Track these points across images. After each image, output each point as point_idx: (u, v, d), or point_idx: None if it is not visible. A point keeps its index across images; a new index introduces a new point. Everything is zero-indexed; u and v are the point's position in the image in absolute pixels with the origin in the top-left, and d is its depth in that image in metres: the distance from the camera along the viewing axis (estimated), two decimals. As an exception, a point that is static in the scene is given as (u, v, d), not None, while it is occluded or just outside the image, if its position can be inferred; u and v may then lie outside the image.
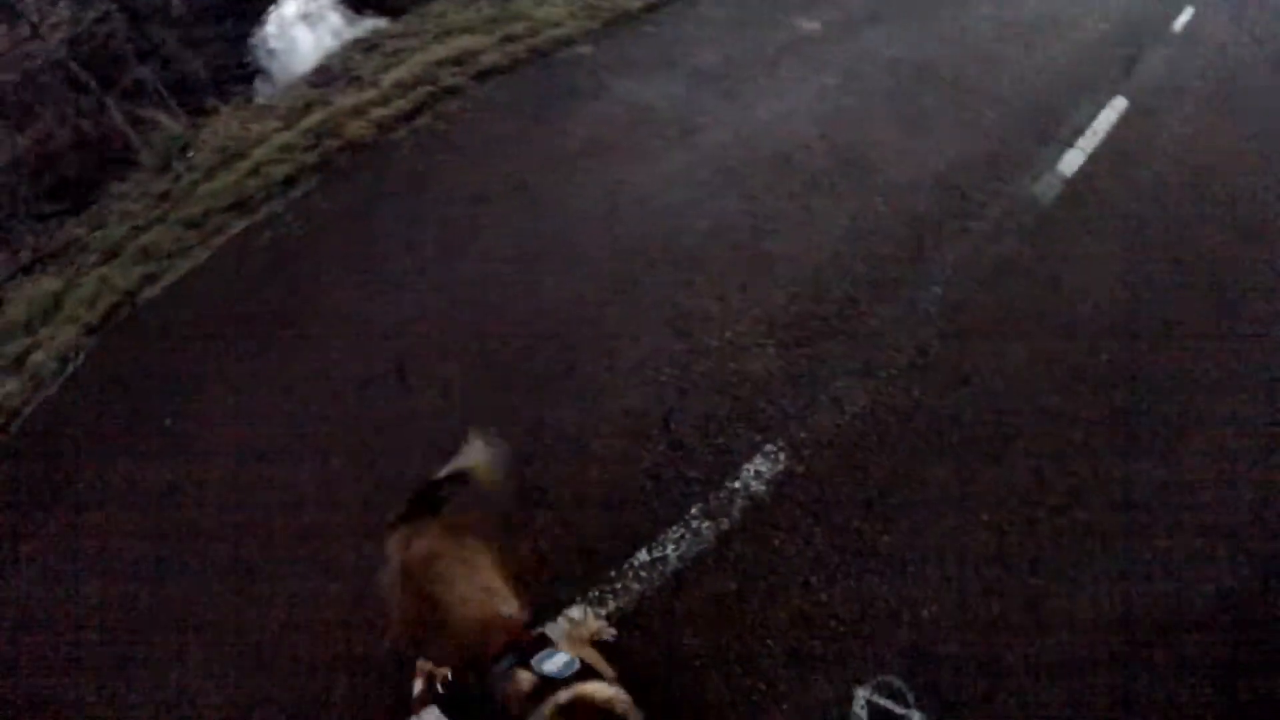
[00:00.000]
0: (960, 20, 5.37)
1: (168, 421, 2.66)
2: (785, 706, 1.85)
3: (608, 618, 2.02)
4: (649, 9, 5.30)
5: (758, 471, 2.25)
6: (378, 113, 4.70)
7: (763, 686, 1.90)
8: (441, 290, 3.04)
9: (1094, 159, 3.84)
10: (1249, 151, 4.08)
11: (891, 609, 2.03)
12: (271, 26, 7.09)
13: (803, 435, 2.32)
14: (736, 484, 2.23)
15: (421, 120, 4.29)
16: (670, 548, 2.14)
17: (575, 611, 2.03)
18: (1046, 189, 3.59)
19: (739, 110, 4.15)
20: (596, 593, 2.08)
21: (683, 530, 2.16)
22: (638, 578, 2.10)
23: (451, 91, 4.57)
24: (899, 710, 1.91)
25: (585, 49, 4.82)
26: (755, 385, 2.51)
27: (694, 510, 2.18)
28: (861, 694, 1.91)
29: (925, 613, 2.03)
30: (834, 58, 4.73)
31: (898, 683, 1.94)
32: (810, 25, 5.11)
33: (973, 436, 2.42)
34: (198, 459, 2.52)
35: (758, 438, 2.31)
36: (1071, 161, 3.75)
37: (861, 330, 2.76)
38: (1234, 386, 2.72)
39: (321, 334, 2.92)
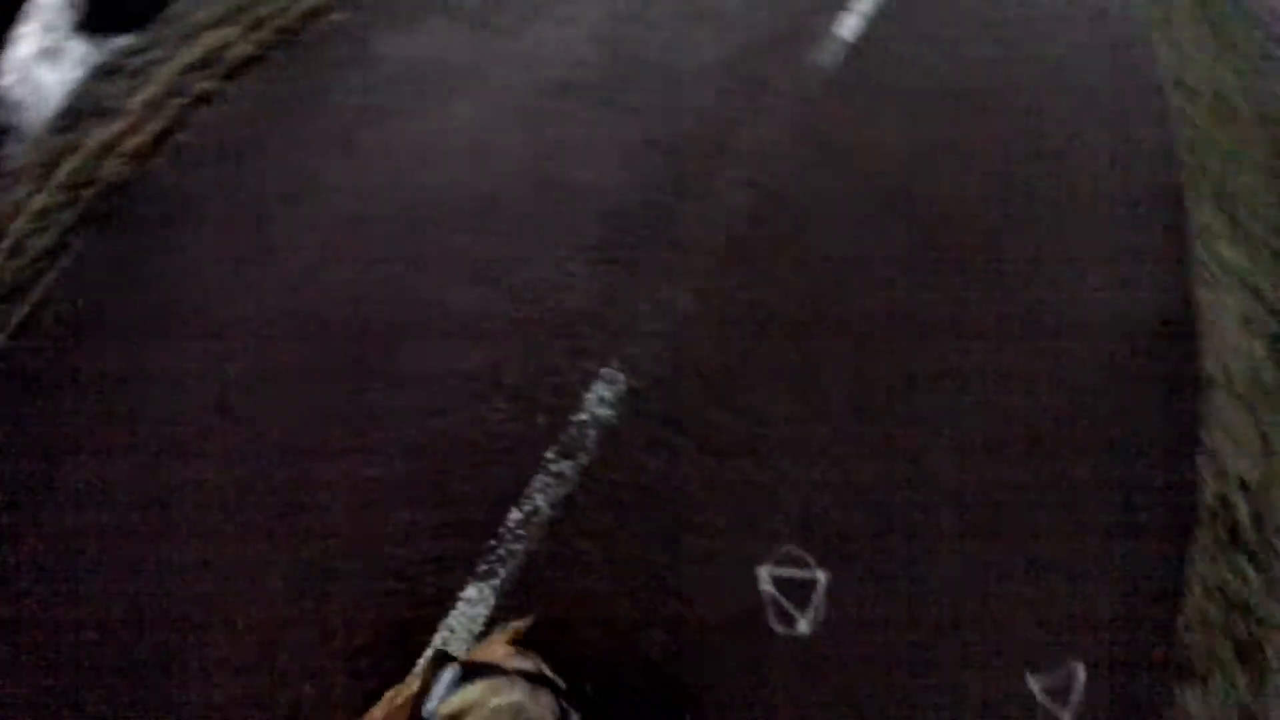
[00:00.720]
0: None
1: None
2: (698, 608, 2.00)
3: (503, 588, 2.08)
4: None
5: (601, 398, 2.32)
6: (132, 143, 4.19)
7: (673, 598, 2.03)
8: (249, 317, 2.82)
9: (871, 19, 3.97)
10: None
11: (769, 486, 2.19)
12: (9, 75, 6.08)
13: (635, 350, 2.40)
14: (584, 415, 2.30)
15: (179, 138, 3.86)
16: (539, 498, 2.21)
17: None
18: (830, 56, 3.70)
19: (513, 43, 3.98)
20: (484, 567, 2.13)
21: (545, 478, 2.22)
22: (517, 538, 2.16)
23: (204, 99, 4.11)
24: (804, 574, 2.10)
25: (341, 15, 4.39)
26: (577, 314, 2.54)
27: (549, 454, 2.23)
28: (764, 572, 2.07)
29: (805, 480, 2.20)
30: None
31: (795, 550, 2.13)
32: None
33: (798, 315, 2.58)
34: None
35: (592, 365, 2.36)
36: (850, 25, 3.87)
37: (672, 234, 2.82)
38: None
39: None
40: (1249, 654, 3.26)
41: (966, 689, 2.29)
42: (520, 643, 1.96)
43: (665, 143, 3.24)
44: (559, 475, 2.23)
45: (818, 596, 2.05)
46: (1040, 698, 2.45)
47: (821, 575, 2.08)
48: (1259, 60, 7.37)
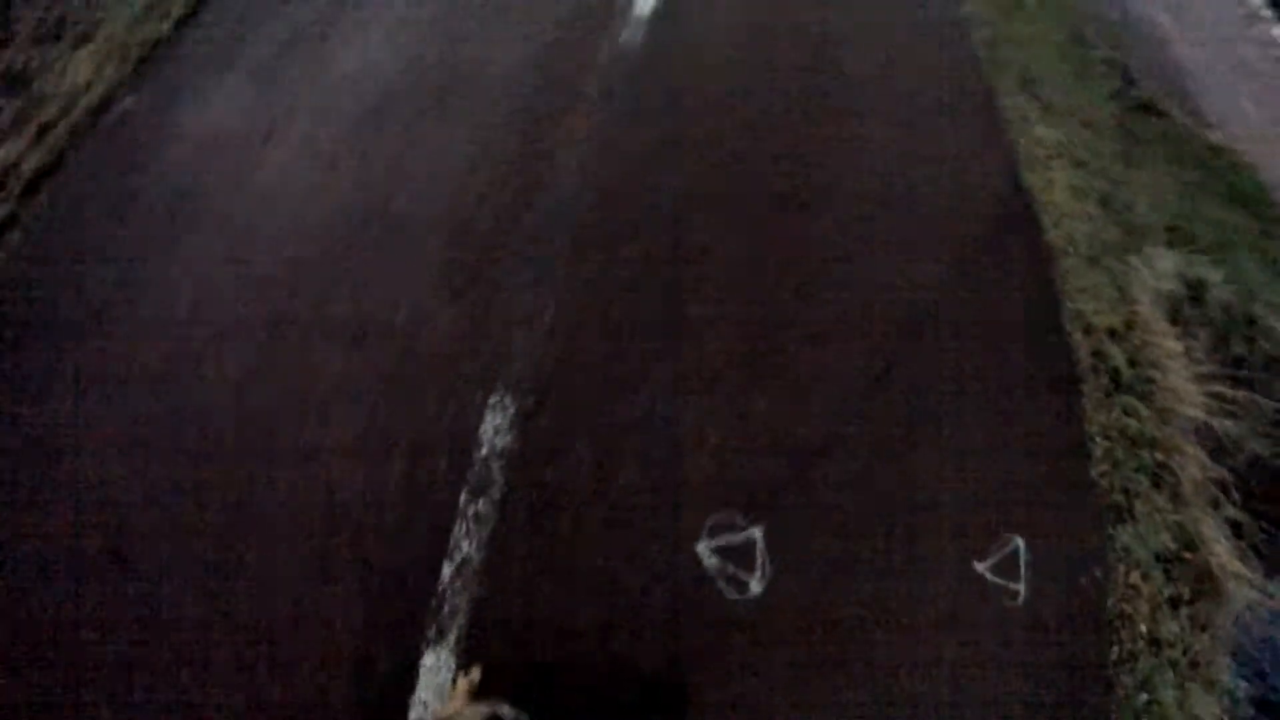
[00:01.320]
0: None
1: None
2: (653, 601, 1.99)
3: (459, 644, 2.01)
4: (181, 23, 4.64)
5: (496, 427, 2.27)
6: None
7: (622, 599, 2.02)
8: (110, 445, 2.59)
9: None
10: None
11: (677, 462, 2.21)
12: None
13: (516, 369, 2.37)
14: (484, 450, 2.24)
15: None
16: (465, 545, 2.14)
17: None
18: (632, 33, 3.81)
19: (319, 79, 3.86)
20: (433, 630, 2.05)
21: (464, 523, 2.16)
22: (457, 591, 2.09)
23: (7, 225, 3.74)
24: (740, 537, 2.13)
25: (129, 101, 4.12)
26: (447, 346, 2.47)
27: (462, 498, 2.17)
28: (702, 546, 2.10)
29: (711, 445, 2.24)
30: None
31: (724, 516, 2.16)
32: None
33: (660, 289, 2.62)
34: None
35: (477, 396, 2.30)
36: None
37: (520, 240, 2.80)
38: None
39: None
40: (1162, 478, 3.60)
41: (919, 597, 2.39)
42: (483, 686, 1.91)
43: (490, 152, 3.21)
44: (478, 516, 2.17)
45: (759, 553, 2.09)
46: (991, 578, 2.60)
47: (757, 531, 2.12)
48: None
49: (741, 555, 2.10)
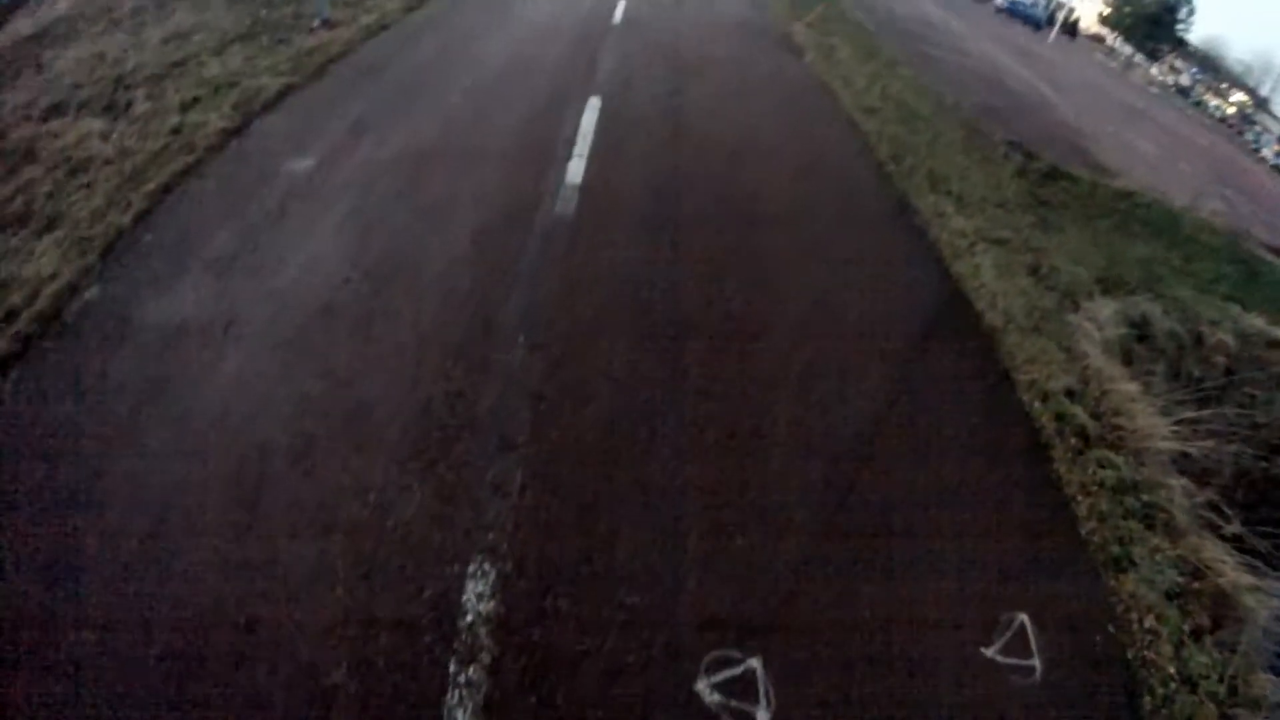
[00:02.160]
0: (438, 103, 6.10)
1: None
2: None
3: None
4: (141, 216, 4.95)
5: (479, 593, 2.39)
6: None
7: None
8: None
9: (592, 157, 4.74)
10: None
11: (665, 606, 2.35)
12: None
13: (490, 537, 2.53)
14: (469, 617, 2.34)
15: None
16: (459, 714, 2.14)
17: None
18: (565, 203, 4.36)
19: (268, 279, 4.13)
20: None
21: (456, 691, 2.21)
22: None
23: None
24: (739, 669, 2.22)
25: (92, 292, 4.25)
26: (423, 525, 2.62)
27: (452, 667, 2.24)
28: (702, 685, 2.17)
29: (697, 585, 2.39)
30: (338, 181, 4.98)
31: (720, 651, 2.26)
32: (303, 163, 5.26)
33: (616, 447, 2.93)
34: None
35: (455, 567, 2.45)
36: (576, 169, 4.63)
37: (479, 416, 3.03)
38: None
39: None
40: (1153, 517, 3.71)
41: (935, 699, 2.45)
42: None
43: (438, 336, 3.50)
44: (469, 683, 2.22)
45: (762, 683, 2.19)
46: (1001, 660, 2.67)
47: (755, 662, 2.20)
48: (891, 63, 9.17)
49: (744, 688, 2.19)
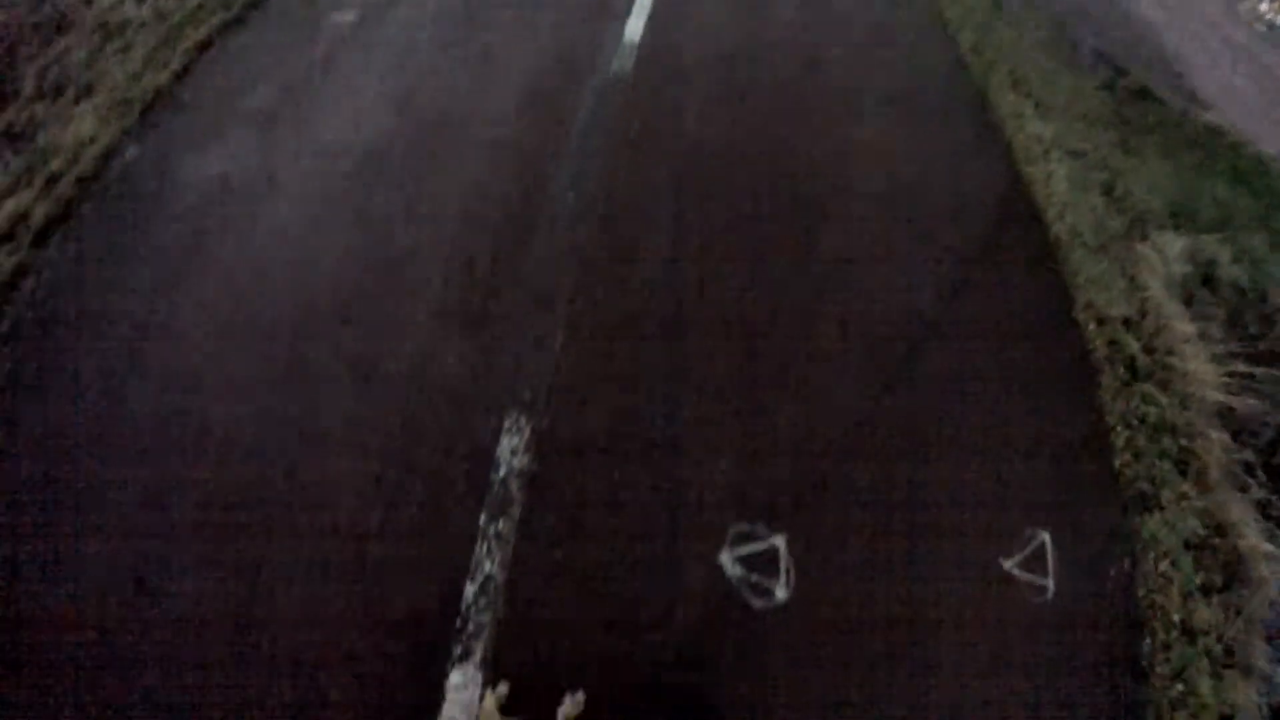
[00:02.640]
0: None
1: None
2: (675, 614, 2.00)
3: (484, 662, 2.03)
4: (180, 76, 4.80)
5: (512, 448, 2.32)
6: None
7: (646, 614, 2.03)
8: (133, 490, 2.63)
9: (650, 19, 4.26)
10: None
11: (694, 475, 2.23)
12: None
13: (527, 392, 2.42)
14: (502, 470, 2.29)
15: (1, 327, 3.58)
16: (487, 564, 2.17)
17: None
18: (622, 61, 3.92)
19: (314, 130, 3.96)
20: (459, 650, 2.07)
21: (485, 543, 2.19)
22: (481, 610, 2.11)
23: (20, 274, 3.83)
24: (763, 545, 2.15)
25: (131, 153, 4.24)
26: (461, 378, 2.53)
27: (483, 519, 2.21)
28: (725, 557, 2.11)
29: (726, 456, 2.26)
30: (384, 34, 4.66)
31: (746, 525, 2.17)
32: (347, 15, 4.92)
33: (666, 307, 2.68)
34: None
35: (492, 421, 2.35)
36: (635, 27, 4.14)
37: (525, 273, 2.87)
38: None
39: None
40: (1186, 463, 3.57)
41: (947, 597, 2.39)
42: (507, 708, 1.92)
43: (487, 185, 3.30)
44: (499, 535, 2.20)
45: (784, 560, 2.11)
46: (1018, 574, 2.59)
47: (779, 540, 2.14)
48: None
49: (766, 564, 2.12)
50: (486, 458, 2.26)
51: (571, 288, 2.75)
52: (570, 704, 1.94)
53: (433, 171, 3.46)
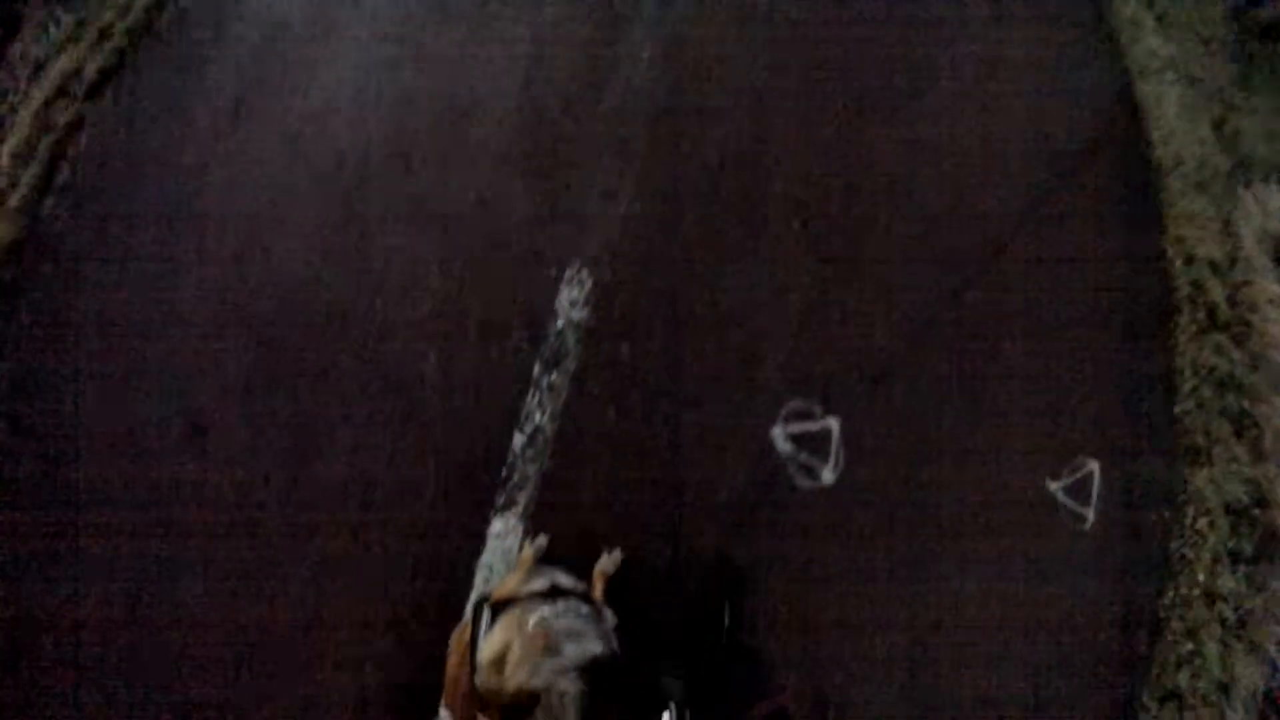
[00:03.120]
0: None
1: None
2: (719, 484, 2.00)
3: (527, 513, 2.08)
4: None
5: (572, 300, 2.27)
6: (16, 200, 3.90)
7: (692, 479, 2.04)
8: (194, 331, 2.66)
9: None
10: None
11: (754, 346, 2.17)
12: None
13: (593, 246, 2.33)
14: (560, 322, 2.25)
15: (60, 179, 3.57)
16: (538, 416, 2.17)
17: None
18: None
19: None
20: (503, 499, 2.11)
21: (537, 394, 2.18)
22: (528, 460, 2.13)
23: (74, 128, 3.79)
24: (816, 425, 2.11)
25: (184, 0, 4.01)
26: (525, 227, 2.44)
27: (536, 369, 2.19)
28: (777, 432, 2.08)
29: (789, 331, 2.18)
30: None
31: (801, 403, 2.13)
32: None
33: (738, 175, 2.50)
34: None
35: (552, 272, 2.29)
36: None
37: (593, 123, 2.68)
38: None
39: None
40: (1244, 428, 3.44)
41: (990, 504, 2.37)
42: (547, 559, 1.97)
43: (564, 34, 3.02)
44: (551, 387, 2.19)
45: (835, 444, 2.08)
46: (1062, 499, 2.55)
47: (833, 422, 2.10)
48: None
49: (817, 445, 2.09)
50: (544, 308, 2.23)
51: (646, 141, 2.60)
52: (608, 561, 1.97)
53: (501, 12, 3.24)
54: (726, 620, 2.00)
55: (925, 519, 2.19)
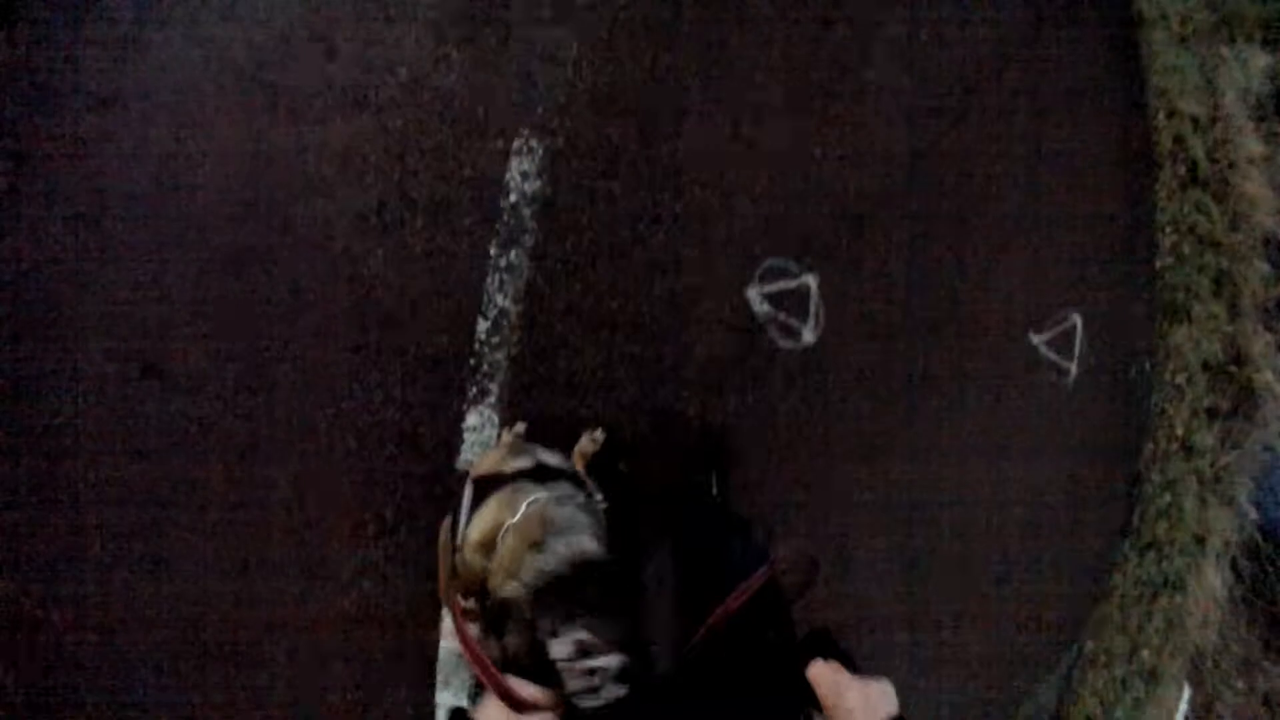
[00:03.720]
0: None
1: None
2: (695, 348, 1.94)
3: (501, 401, 2.01)
4: None
5: (523, 172, 2.10)
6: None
7: (666, 348, 1.97)
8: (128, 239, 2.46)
9: None
10: None
11: (722, 204, 2.05)
12: None
13: (540, 111, 2.14)
14: (513, 197, 2.09)
15: None
16: (500, 299, 2.06)
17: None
18: None
19: None
20: (474, 390, 2.04)
21: (496, 275, 2.07)
22: (495, 347, 2.05)
23: None
24: (794, 283, 2.04)
25: None
26: (464, 96, 2.21)
27: (493, 249, 2.07)
28: (754, 292, 2.01)
29: (758, 186, 2.06)
30: None
31: (778, 261, 2.05)
32: None
33: (696, 21, 2.30)
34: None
35: (499, 144, 2.12)
36: None
37: None
38: None
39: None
40: (1222, 285, 3.45)
41: (973, 359, 2.35)
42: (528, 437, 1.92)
43: None
44: (510, 267, 2.07)
45: (814, 302, 2.02)
46: (1044, 351, 2.54)
47: (811, 280, 2.03)
48: None
49: (795, 303, 2.03)
50: (494, 183, 2.08)
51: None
52: (588, 441, 1.93)
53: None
54: (714, 490, 1.99)
55: (908, 376, 2.17)
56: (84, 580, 2.15)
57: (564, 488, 1.30)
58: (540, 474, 1.34)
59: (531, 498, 1.23)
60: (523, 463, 1.37)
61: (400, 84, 2.28)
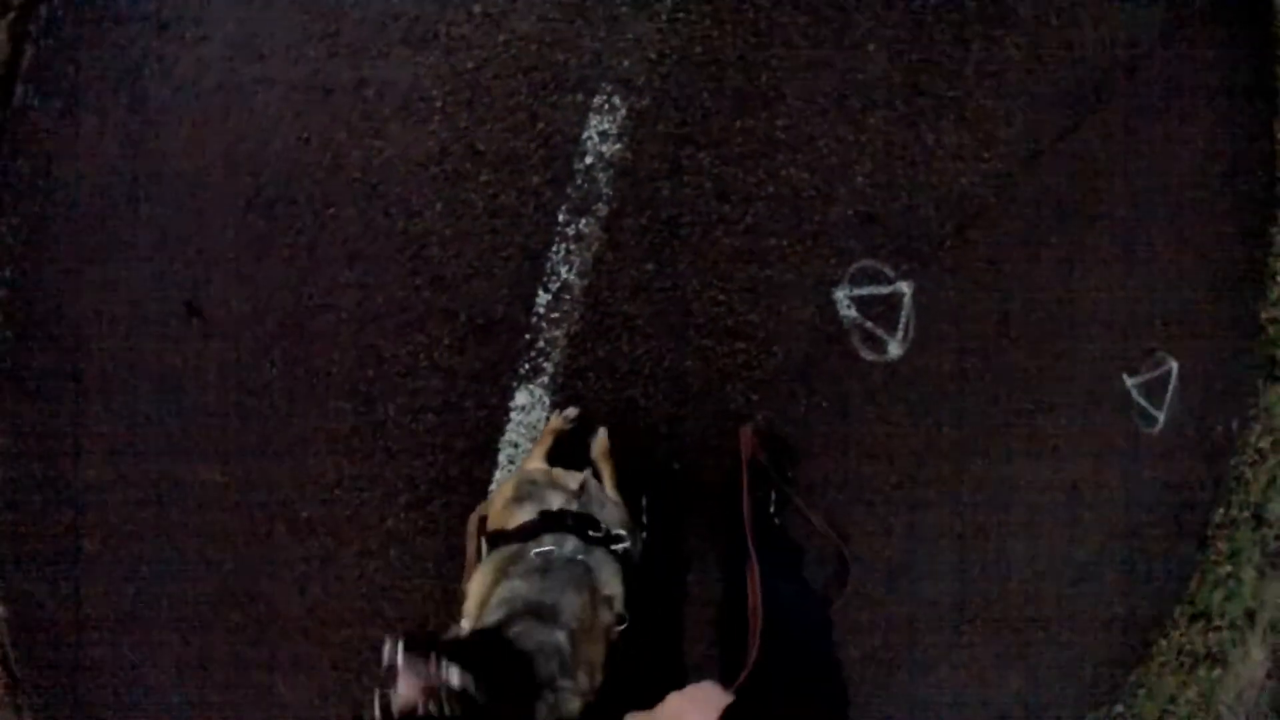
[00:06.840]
0: None
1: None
2: (775, 350, 1.85)
3: (553, 383, 1.94)
4: None
5: (601, 132, 1.98)
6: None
7: (741, 344, 1.88)
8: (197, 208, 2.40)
9: None
10: None
11: (819, 191, 1.94)
12: None
13: (624, 65, 2.00)
14: (588, 159, 1.98)
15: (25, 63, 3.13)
16: (564, 271, 1.97)
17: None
18: None
19: None
20: (526, 367, 1.96)
21: (563, 245, 1.97)
22: (553, 323, 1.96)
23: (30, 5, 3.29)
24: (887, 289, 1.94)
25: None
26: (541, 45, 2.08)
27: (561, 215, 1.97)
28: (842, 293, 1.91)
29: (859, 177, 1.95)
30: None
31: (872, 263, 1.94)
32: None
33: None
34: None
35: (578, 98, 1.99)
36: None
37: None
38: None
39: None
40: (1329, 341, 3.28)
41: (1062, 393, 2.24)
42: (578, 432, 1.84)
43: None
44: (579, 237, 1.96)
45: (905, 312, 1.91)
46: (1135, 395, 2.42)
47: (905, 288, 1.91)
48: None
49: (885, 312, 1.92)
50: (570, 141, 1.97)
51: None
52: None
53: None
54: (772, 509, 1.91)
55: (994, 403, 2.07)
56: (95, 577, 2.12)
57: (568, 543, 1.25)
58: (547, 523, 1.28)
59: (513, 584, 1.18)
60: (526, 513, 1.31)
61: (474, 22, 2.17)
